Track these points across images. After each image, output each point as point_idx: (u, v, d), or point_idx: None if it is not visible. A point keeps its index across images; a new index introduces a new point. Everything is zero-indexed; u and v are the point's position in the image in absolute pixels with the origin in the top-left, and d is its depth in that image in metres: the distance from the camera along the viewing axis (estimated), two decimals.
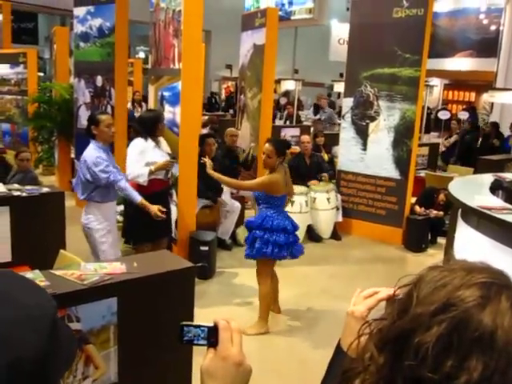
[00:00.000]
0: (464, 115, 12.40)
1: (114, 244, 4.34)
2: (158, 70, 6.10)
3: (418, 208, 7.21)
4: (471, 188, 5.19)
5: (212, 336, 1.01)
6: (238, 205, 6.66)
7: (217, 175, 4.37)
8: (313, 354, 3.98)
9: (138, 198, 4.18)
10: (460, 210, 4.87)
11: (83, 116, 7.67)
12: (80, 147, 7.78)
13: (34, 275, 2.27)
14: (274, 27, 8.00)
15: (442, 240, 7.25)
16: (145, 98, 12.24)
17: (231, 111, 15.87)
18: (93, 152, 4.11)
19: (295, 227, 4.34)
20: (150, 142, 4.69)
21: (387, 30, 6.90)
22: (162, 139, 4.95)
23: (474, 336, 0.65)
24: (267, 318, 4.34)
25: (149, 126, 4.73)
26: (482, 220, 4.17)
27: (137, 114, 11.21)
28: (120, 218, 5.46)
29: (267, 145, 4.19)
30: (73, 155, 8.45)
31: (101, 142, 4.16)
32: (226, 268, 5.91)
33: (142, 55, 20.22)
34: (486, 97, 14.18)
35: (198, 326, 1.02)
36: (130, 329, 2.39)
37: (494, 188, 5.15)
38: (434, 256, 6.81)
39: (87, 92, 7.58)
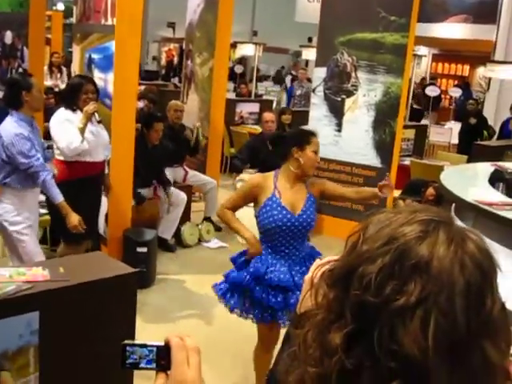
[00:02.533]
0: (456, 92, 12.72)
1: (36, 243, 4.25)
2: (85, 26, 5.98)
3: (401, 202, 7.33)
4: (467, 179, 5.31)
5: (162, 357, 1.00)
6: (183, 196, 6.61)
7: None
8: None
9: (59, 197, 4.09)
10: (454, 206, 4.99)
11: None
12: None
13: None
14: None
15: None
16: (66, 61, 11.98)
17: (174, 80, 15.75)
18: (12, 128, 3.99)
19: None
20: (75, 114, 4.59)
21: None
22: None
23: (412, 264, 0.84)
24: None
25: (68, 95, 4.68)
26: (481, 217, 4.28)
27: (53, 82, 10.97)
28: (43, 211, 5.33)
29: (318, 141, 3.55)
30: None
31: (27, 111, 4.08)
32: (169, 274, 5.87)
33: (61, 7, 19.77)
34: (483, 71, 14.57)
35: (145, 346, 1.00)
36: (56, 350, 2.33)
37: (494, 180, 5.29)
38: None
39: None
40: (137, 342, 1.01)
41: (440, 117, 13.49)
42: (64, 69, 11.30)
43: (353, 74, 7.21)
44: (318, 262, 1.21)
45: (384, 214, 0.94)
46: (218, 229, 7.18)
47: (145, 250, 5.52)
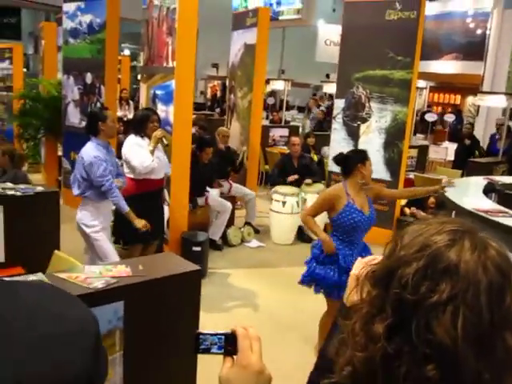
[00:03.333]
0: (450, 118, 12.52)
1: (110, 242, 4.27)
2: (150, 68, 6.02)
3: (407, 210, 7.24)
4: (465, 190, 5.21)
5: (229, 344, 0.99)
6: (229, 205, 6.61)
7: None
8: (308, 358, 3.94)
9: (125, 208, 4.12)
10: (454, 212, 4.90)
11: (72, 113, 7.56)
12: (68, 144, 7.68)
13: (36, 278, 2.19)
14: (265, 27, 7.96)
15: None
16: (131, 96, 12.12)
17: (217, 110, 15.81)
18: (91, 151, 4.03)
19: None
20: (144, 140, 4.63)
21: (379, 32, 6.89)
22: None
23: (443, 267, 0.84)
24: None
25: (137, 124, 4.67)
26: (478, 222, 4.18)
27: (122, 112, 11.09)
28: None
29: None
30: (60, 153, 8.31)
31: (104, 138, 4.11)
32: (218, 269, 5.85)
33: (127, 52, 20.03)
34: (472, 100, 14.33)
35: (215, 334, 1.00)
36: (136, 333, 2.32)
37: (487, 191, 5.18)
38: None
39: (76, 89, 7.44)
40: (208, 331, 1.01)
41: (435, 138, 13.28)
42: (131, 102, 11.42)
43: (367, 104, 7.13)
44: (360, 260, 1.23)
45: (416, 225, 0.94)
46: (256, 231, 7.16)
47: (199, 249, 5.51)
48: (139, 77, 6.66)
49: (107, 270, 2.33)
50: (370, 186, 3.84)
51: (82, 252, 4.47)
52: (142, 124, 4.59)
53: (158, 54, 5.81)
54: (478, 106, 12.30)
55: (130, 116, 10.76)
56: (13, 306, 0.65)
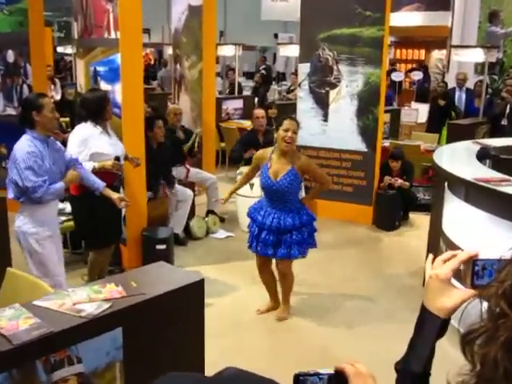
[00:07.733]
0: (417, 75, 12.69)
1: (57, 252, 4.05)
2: (88, 41, 5.74)
3: (387, 179, 7.10)
4: (457, 157, 5.28)
5: (332, 383, 0.99)
6: (190, 193, 6.48)
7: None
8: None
9: (100, 185, 4.16)
10: (447, 183, 4.96)
11: None
12: None
13: (16, 311, 2.03)
14: None
15: (413, 215, 7.36)
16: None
17: (154, 83, 15.45)
18: (25, 145, 3.71)
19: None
20: (97, 128, 4.45)
21: None
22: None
23: None
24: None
25: (95, 109, 4.46)
26: (475, 192, 4.26)
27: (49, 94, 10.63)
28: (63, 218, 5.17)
29: (289, 121, 4.30)
30: None
31: (40, 131, 3.81)
32: (186, 267, 5.71)
33: None
34: (438, 54, 14.58)
35: (316, 374, 0.99)
36: (138, 363, 2.20)
37: (481, 157, 5.27)
38: (408, 235, 6.88)
39: None
40: (308, 371, 1.00)
41: (402, 99, 13.44)
42: (56, 80, 10.94)
43: (335, 67, 7.10)
44: (432, 258, 1.18)
45: None
46: (221, 220, 7.06)
47: (164, 246, 5.38)
48: (72, 50, 6.37)
49: (95, 291, 2.18)
50: (301, 158, 4.39)
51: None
52: (101, 108, 4.39)
53: (96, 23, 5.55)
54: (448, 62, 12.50)
55: (58, 97, 10.34)
56: None
